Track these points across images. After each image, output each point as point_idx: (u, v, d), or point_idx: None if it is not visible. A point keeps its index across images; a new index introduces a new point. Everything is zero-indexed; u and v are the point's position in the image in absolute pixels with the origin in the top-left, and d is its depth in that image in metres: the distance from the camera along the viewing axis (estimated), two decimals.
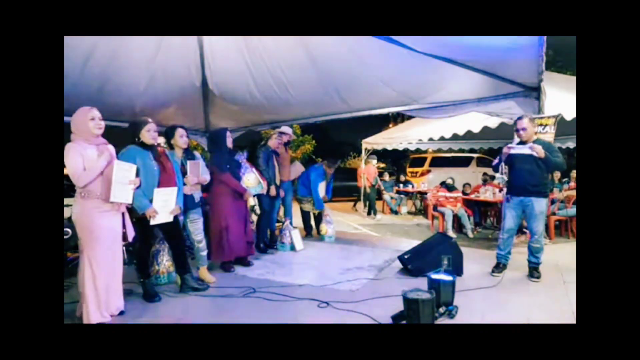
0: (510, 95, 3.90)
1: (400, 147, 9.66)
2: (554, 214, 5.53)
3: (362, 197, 9.25)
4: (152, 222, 2.76)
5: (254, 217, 4.99)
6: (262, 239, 4.61)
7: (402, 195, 8.87)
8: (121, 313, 2.61)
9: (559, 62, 11.66)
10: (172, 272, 3.31)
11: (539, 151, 3.12)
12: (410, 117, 8.31)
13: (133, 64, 3.83)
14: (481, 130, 6.31)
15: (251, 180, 3.76)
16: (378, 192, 8.73)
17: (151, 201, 2.72)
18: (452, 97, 4.20)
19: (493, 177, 7.25)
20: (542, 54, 2.99)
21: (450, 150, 11.09)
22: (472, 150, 11.08)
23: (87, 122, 2.39)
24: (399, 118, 14.26)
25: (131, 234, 2.62)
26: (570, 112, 4.62)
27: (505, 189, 5.71)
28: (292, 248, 4.57)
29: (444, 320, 2.49)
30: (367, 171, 8.47)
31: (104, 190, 2.40)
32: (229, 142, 3.70)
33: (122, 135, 2.85)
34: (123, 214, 2.57)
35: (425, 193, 7.99)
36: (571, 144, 7.57)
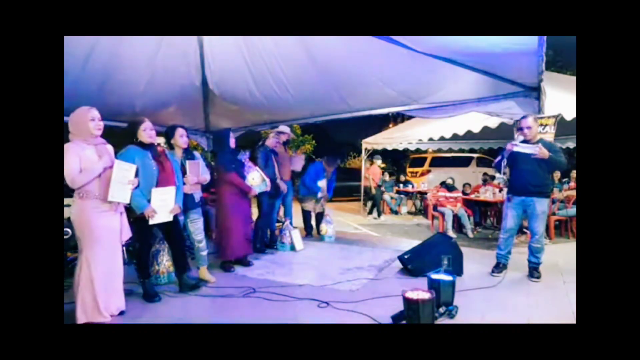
0: (510, 95, 3.89)
1: (400, 147, 9.66)
2: (554, 214, 5.53)
3: (362, 197, 9.25)
4: (151, 222, 2.76)
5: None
6: (261, 239, 4.61)
7: (402, 195, 8.86)
8: (121, 313, 2.61)
9: (559, 62, 11.67)
10: (172, 272, 3.31)
11: (543, 153, 3.10)
12: (410, 117, 8.31)
13: (133, 63, 3.84)
14: (481, 130, 6.31)
15: (256, 178, 3.80)
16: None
17: (149, 201, 2.72)
18: (452, 97, 4.20)
19: (493, 177, 7.25)
20: (542, 54, 2.99)
21: (450, 150, 11.09)
22: (472, 150, 11.08)
23: (87, 122, 2.39)
24: (399, 118, 14.23)
25: (126, 235, 2.62)
26: (570, 112, 4.63)
27: (505, 189, 5.75)
28: (292, 248, 4.57)
29: (444, 320, 2.49)
30: (373, 171, 8.42)
31: (102, 191, 2.40)
32: (232, 143, 3.72)
33: (122, 135, 2.84)
34: (121, 214, 2.57)
35: (425, 193, 7.99)
36: (571, 144, 7.58)
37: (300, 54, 3.93)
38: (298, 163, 5.18)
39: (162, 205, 2.80)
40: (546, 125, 4.81)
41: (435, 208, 6.24)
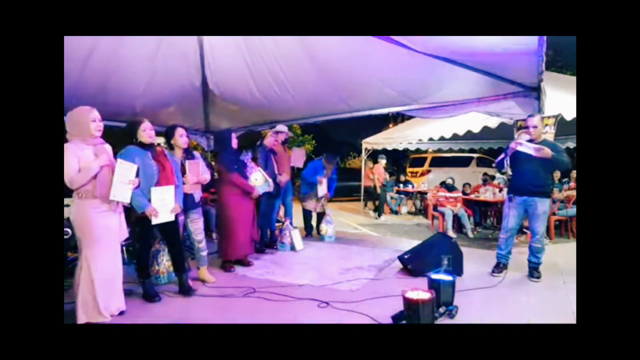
0: (510, 95, 3.90)
1: (400, 147, 9.66)
2: (554, 214, 5.53)
3: (362, 197, 9.25)
4: (154, 222, 2.76)
5: None
6: (261, 239, 4.61)
7: (402, 195, 8.86)
8: (121, 313, 2.61)
9: (559, 62, 11.67)
10: (172, 272, 3.31)
11: (547, 153, 3.09)
12: (410, 117, 8.31)
13: (133, 63, 3.84)
14: (481, 130, 6.31)
15: (259, 179, 3.81)
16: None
17: (149, 200, 2.72)
18: (452, 97, 4.21)
19: (493, 177, 7.26)
20: (542, 54, 2.99)
21: (450, 150, 11.09)
22: (472, 150, 11.08)
23: (88, 123, 2.38)
24: (399, 118, 14.25)
25: (123, 235, 2.62)
26: (570, 112, 4.63)
27: (505, 189, 5.75)
28: (292, 248, 4.57)
29: (444, 320, 2.49)
30: (377, 171, 8.41)
31: (102, 190, 2.40)
32: (234, 143, 3.72)
33: (122, 135, 2.84)
34: (120, 214, 2.57)
35: (425, 193, 7.98)
36: (571, 144, 7.58)
37: (300, 54, 3.93)
38: (299, 159, 5.17)
39: (163, 205, 2.80)
40: (546, 125, 4.80)
41: (435, 208, 6.24)
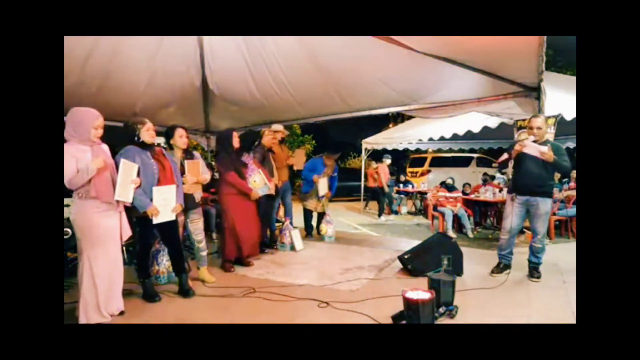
0: (510, 95, 3.90)
1: (400, 147, 9.66)
2: (554, 214, 5.53)
3: (362, 197, 9.25)
4: (155, 221, 2.76)
5: None
6: (262, 239, 4.61)
7: (402, 195, 8.86)
8: (121, 313, 2.61)
9: (559, 62, 11.67)
10: (172, 272, 3.31)
11: (549, 157, 3.10)
12: (410, 117, 8.31)
13: (133, 63, 3.84)
14: (481, 130, 6.31)
15: (258, 181, 3.77)
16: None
17: (151, 200, 2.72)
18: (452, 97, 4.21)
19: (493, 177, 7.26)
20: (542, 54, 3.00)
21: (450, 150, 11.11)
22: (472, 150, 11.09)
23: (90, 128, 2.38)
24: (399, 118, 14.26)
25: (127, 234, 2.62)
26: (570, 112, 4.62)
27: (505, 189, 5.75)
28: (292, 248, 4.57)
29: (444, 320, 2.49)
30: (383, 171, 8.39)
31: (101, 191, 2.40)
32: (235, 143, 3.70)
33: (122, 135, 2.83)
34: (120, 213, 2.57)
35: (425, 193, 7.98)
36: (571, 144, 7.58)
37: (300, 54, 3.93)
38: (300, 160, 5.15)
39: (164, 205, 2.80)
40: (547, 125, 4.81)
41: (435, 208, 6.24)
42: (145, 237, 2.94)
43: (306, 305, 2.83)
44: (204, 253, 3.40)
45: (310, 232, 5.43)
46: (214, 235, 5.15)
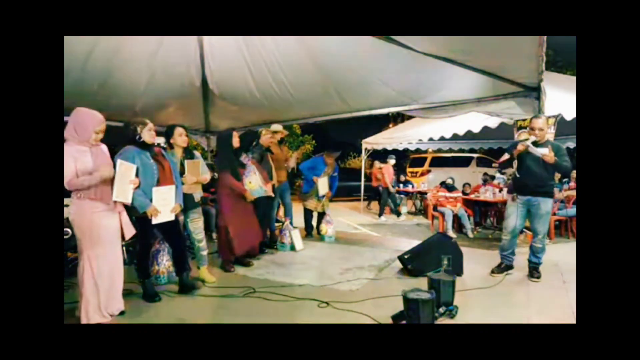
0: (510, 95, 3.90)
1: (400, 147, 9.66)
2: (554, 214, 5.53)
3: (362, 197, 9.25)
4: (155, 221, 2.76)
5: None
6: (263, 239, 4.61)
7: (402, 195, 8.86)
8: (121, 313, 2.61)
9: (559, 62, 11.68)
10: (172, 272, 3.32)
11: (550, 159, 3.10)
12: (410, 117, 8.31)
13: (133, 63, 3.85)
14: (481, 130, 6.31)
15: (253, 182, 3.73)
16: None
17: (151, 200, 2.72)
18: (452, 97, 4.21)
19: (493, 177, 7.26)
20: (542, 54, 3.00)
21: (450, 150, 11.10)
22: (472, 150, 11.09)
23: (91, 132, 2.39)
24: (399, 118, 14.27)
25: (129, 232, 2.62)
26: (570, 112, 4.62)
27: (505, 189, 5.74)
28: (292, 248, 4.57)
29: (444, 320, 2.49)
30: (387, 171, 8.38)
31: (100, 191, 2.40)
32: (235, 143, 3.69)
33: (121, 136, 2.83)
34: (120, 213, 2.57)
35: (425, 193, 7.98)
36: (571, 144, 7.58)
37: (300, 54, 3.94)
38: (292, 162, 5.10)
39: (164, 205, 2.80)
40: (547, 125, 4.81)
41: (435, 208, 6.24)
42: (145, 237, 2.94)
43: (306, 305, 2.83)
44: (204, 253, 3.40)
45: (310, 232, 5.43)
46: (214, 235, 5.14)
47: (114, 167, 2.49)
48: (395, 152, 10.03)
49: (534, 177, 3.25)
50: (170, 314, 2.68)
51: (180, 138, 3.26)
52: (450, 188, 6.64)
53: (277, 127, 4.92)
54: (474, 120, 6.15)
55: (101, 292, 2.42)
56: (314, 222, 5.46)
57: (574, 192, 5.88)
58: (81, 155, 2.36)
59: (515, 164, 3.38)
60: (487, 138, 8.67)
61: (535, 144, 3.22)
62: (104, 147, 2.54)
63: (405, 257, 3.65)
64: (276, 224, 5.02)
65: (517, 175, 3.39)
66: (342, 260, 4.12)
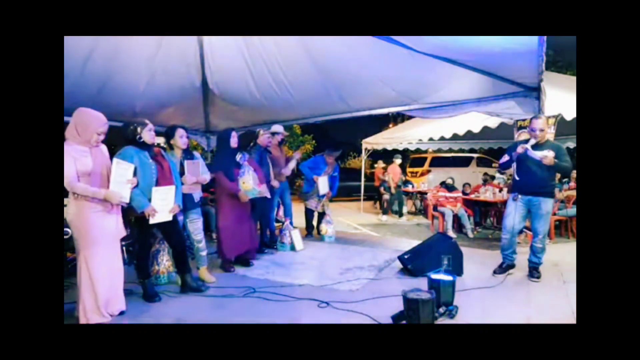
0: (510, 95, 3.90)
1: (400, 147, 9.66)
2: (554, 214, 5.53)
3: (361, 197, 9.26)
4: (152, 221, 2.75)
5: None
6: (262, 239, 4.61)
7: (402, 195, 8.85)
8: (121, 313, 2.61)
9: (559, 62, 11.67)
10: (172, 272, 3.32)
11: (550, 161, 3.10)
12: (410, 117, 8.30)
13: (133, 64, 3.85)
14: (481, 130, 6.31)
15: (247, 182, 3.65)
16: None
17: (149, 200, 2.72)
18: (452, 97, 4.21)
19: (493, 177, 7.26)
20: (542, 54, 3.00)
21: (450, 150, 11.10)
22: (472, 150, 11.09)
23: (93, 133, 2.39)
24: (399, 118, 14.27)
25: (120, 233, 2.62)
26: (570, 112, 4.62)
27: (505, 189, 5.74)
28: (292, 248, 4.57)
29: (444, 320, 2.49)
30: (393, 171, 8.35)
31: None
32: (233, 142, 3.67)
33: (121, 136, 2.83)
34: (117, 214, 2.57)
35: (425, 193, 7.98)
36: (571, 144, 7.57)
37: (300, 54, 3.93)
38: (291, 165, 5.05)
39: (163, 205, 2.79)
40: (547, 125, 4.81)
41: (435, 208, 6.24)
42: (144, 237, 2.94)
43: (306, 305, 2.83)
44: (204, 253, 3.40)
45: (311, 231, 5.42)
46: (214, 235, 5.14)
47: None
48: (395, 152, 10.03)
49: (534, 178, 3.24)
50: (170, 314, 2.68)
51: (181, 139, 3.26)
52: (450, 188, 6.64)
53: (277, 128, 4.91)
54: (474, 120, 6.15)
55: (99, 292, 2.42)
56: (314, 222, 5.46)
57: (574, 192, 5.88)
58: (81, 155, 2.36)
59: (514, 166, 3.38)
60: (487, 138, 8.67)
61: (535, 144, 3.22)
62: (104, 148, 2.54)
63: (405, 257, 3.65)
64: (276, 224, 5.02)
65: (517, 178, 3.38)
66: (342, 260, 4.12)
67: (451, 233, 5.54)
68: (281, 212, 5.21)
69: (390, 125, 14.22)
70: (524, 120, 3.99)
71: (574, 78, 5.91)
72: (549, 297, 2.95)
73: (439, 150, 11.10)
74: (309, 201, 5.27)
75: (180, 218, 3.22)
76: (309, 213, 5.40)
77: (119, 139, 2.77)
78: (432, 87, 4.15)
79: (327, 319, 2.56)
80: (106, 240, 2.47)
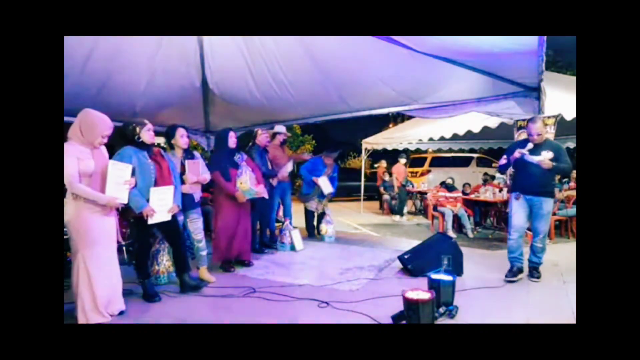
0: (510, 95, 3.90)
1: (400, 147, 9.66)
2: (554, 214, 5.53)
3: (361, 196, 9.26)
4: (150, 221, 2.75)
5: None
6: (260, 238, 4.61)
7: (405, 195, 8.84)
8: (121, 313, 2.61)
9: (559, 62, 11.68)
10: (172, 272, 3.32)
11: (546, 165, 3.10)
12: (410, 117, 8.31)
13: (133, 64, 3.84)
14: (481, 130, 6.31)
15: (244, 183, 3.62)
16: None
17: (148, 200, 2.71)
18: (452, 97, 4.21)
19: (493, 177, 7.25)
20: (542, 54, 3.00)
21: (450, 150, 11.09)
22: (472, 150, 11.08)
23: (98, 136, 2.40)
24: (399, 118, 14.27)
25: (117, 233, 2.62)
26: (570, 112, 4.62)
27: (505, 189, 5.74)
28: (292, 248, 4.57)
29: (444, 320, 2.49)
30: (397, 170, 8.34)
31: (97, 191, 2.40)
32: (231, 142, 3.66)
33: (120, 136, 2.83)
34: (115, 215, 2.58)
35: (425, 193, 7.98)
36: (571, 144, 7.58)
37: (300, 54, 3.93)
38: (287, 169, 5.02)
39: (161, 205, 2.79)
40: (546, 125, 4.81)
41: (435, 208, 6.24)
42: (143, 238, 2.94)
43: (306, 305, 2.83)
44: (204, 253, 3.40)
45: (312, 232, 5.42)
46: (214, 235, 5.14)
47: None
48: (395, 152, 10.04)
49: (534, 179, 3.24)
50: (170, 314, 2.68)
51: (181, 139, 3.26)
52: (450, 188, 6.64)
53: (280, 128, 4.92)
54: (474, 120, 6.15)
55: (98, 292, 2.42)
56: (314, 222, 5.46)
57: (574, 192, 5.88)
58: (84, 156, 2.36)
59: (511, 169, 3.37)
60: (487, 138, 8.67)
61: (534, 146, 3.23)
62: (103, 149, 2.54)
63: (405, 257, 3.65)
64: (276, 224, 5.02)
65: (517, 180, 3.38)
66: (342, 260, 4.12)
67: (451, 233, 5.54)
68: (281, 212, 5.21)
69: (390, 125, 14.22)
70: (524, 120, 3.99)
71: (574, 78, 5.91)
72: (549, 297, 2.95)
73: (439, 150, 11.10)
74: (309, 203, 5.27)
75: (181, 218, 3.23)
76: (309, 214, 5.40)
77: (118, 139, 2.77)
78: (432, 87, 4.15)
79: (327, 319, 2.56)
80: (105, 241, 2.48)
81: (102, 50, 3.45)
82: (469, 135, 7.01)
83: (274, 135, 4.86)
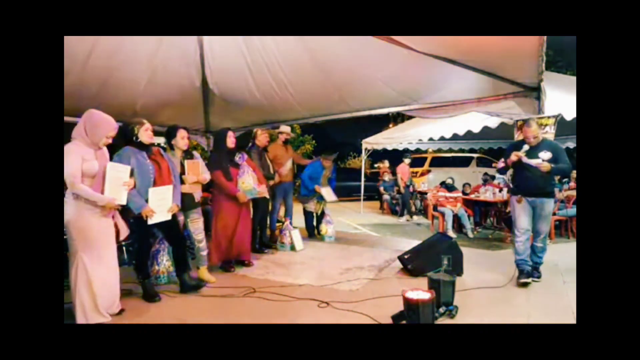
0: (510, 95, 3.89)
1: (400, 147, 9.66)
2: (554, 214, 5.52)
3: (361, 196, 9.25)
4: (150, 221, 2.75)
5: None
6: (260, 238, 4.61)
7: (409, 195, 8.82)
8: (121, 312, 2.61)
9: (559, 62, 11.68)
10: (172, 272, 3.32)
11: (544, 167, 3.11)
12: (410, 117, 8.30)
13: (133, 63, 3.84)
14: (481, 130, 6.31)
15: (246, 183, 3.63)
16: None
17: (147, 201, 2.71)
18: (452, 97, 4.20)
19: (493, 177, 7.25)
20: (542, 54, 3.00)
21: (450, 150, 11.09)
22: (472, 150, 11.08)
23: (103, 137, 2.41)
24: (399, 118, 14.26)
25: (124, 233, 2.62)
26: (570, 112, 4.63)
27: (505, 189, 5.74)
28: (292, 248, 4.57)
29: (444, 320, 2.49)
30: (402, 170, 8.33)
31: (96, 191, 2.40)
32: (230, 142, 3.65)
33: (119, 136, 2.83)
34: (114, 215, 2.58)
35: (425, 193, 7.97)
36: (571, 144, 7.58)
37: (301, 54, 3.93)
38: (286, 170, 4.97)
39: (160, 205, 2.79)
40: (546, 125, 4.81)
41: (435, 208, 6.24)
42: (143, 238, 2.94)
43: (306, 305, 2.83)
44: (204, 253, 3.40)
45: (312, 233, 5.43)
46: (212, 235, 5.14)
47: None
48: (395, 152, 10.03)
49: (534, 181, 3.24)
50: (170, 314, 2.68)
51: (182, 140, 3.26)
52: (450, 188, 6.63)
53: (284, 128, 4.93)
54: (474, 120, 6.15)
55: (98, 292, 2.42)
56: (314, 222, 5.47)
57: (574, 192, 5.88)
58: (88, 157, 2.36)
59: (510, 171, 3.37)
60: (487, 138, 8.68)
61: (532, 147, 3.23)
62: (105, 150, 2.54)
63: (405, 257, 3.65)
64: (276, 224, 5.02)
65: (516, 182, 3.38)
66: (342, 260, 4.12)
67: (451, 233, 5.54)
68: (281, 212, 5.22)
69: (390, 125, 14.20)
70: (524, 120, 3.99)
71: (574, 78, 5.90)
72: (549, 297, 2.95)
73: (439, 150, 11.10)
74: (309, 204, 5.31)
75: (181, 218, 3.23)
76: (308, 215, 5.41)
77: (117, 139, 2.77)
78: (432, 87, 4.15)
79: (327, 319, 2.56)
80: (103, 241, 2.48)
81: (103, 47, 3.44)
82: (469, 135, 7.01)
83: (271, 135, 4.87)
